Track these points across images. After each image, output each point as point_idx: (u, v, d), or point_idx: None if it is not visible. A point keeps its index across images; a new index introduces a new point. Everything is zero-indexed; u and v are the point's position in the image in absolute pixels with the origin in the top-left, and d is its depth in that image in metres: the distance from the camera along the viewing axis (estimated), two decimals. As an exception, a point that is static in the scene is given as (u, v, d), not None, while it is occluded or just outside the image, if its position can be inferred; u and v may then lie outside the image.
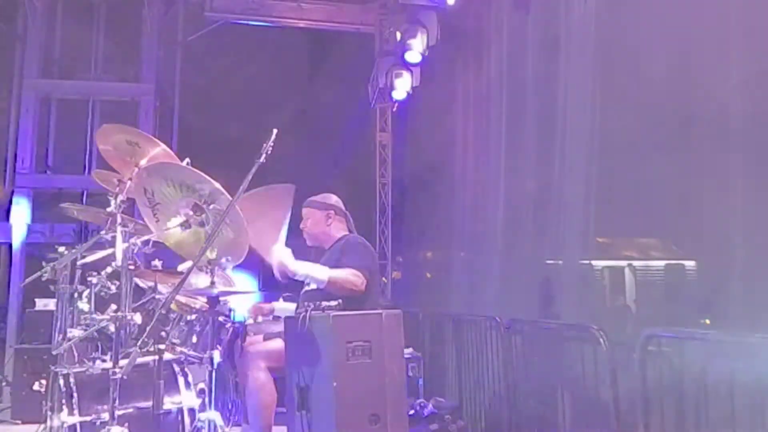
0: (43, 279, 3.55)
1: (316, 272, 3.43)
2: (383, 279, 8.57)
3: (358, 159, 8.82)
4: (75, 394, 3.07)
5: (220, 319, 3.56)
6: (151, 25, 7.77)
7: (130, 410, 3.07)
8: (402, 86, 7.46)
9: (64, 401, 3.07)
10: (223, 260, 3.00)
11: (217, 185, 2.85)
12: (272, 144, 2.80)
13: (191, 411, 3.27)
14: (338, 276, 3.43)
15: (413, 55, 6.95)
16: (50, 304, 5.65)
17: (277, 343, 3.64)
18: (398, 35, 7.19)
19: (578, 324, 3.67)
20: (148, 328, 2.66)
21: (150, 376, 3.05)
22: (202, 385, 3.39)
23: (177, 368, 3.37)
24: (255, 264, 3.77)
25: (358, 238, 3.84)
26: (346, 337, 3.06)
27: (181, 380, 3.34)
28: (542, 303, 4.31)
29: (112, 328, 3.06)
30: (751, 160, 2.72)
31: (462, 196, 6.42)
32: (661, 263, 3.63)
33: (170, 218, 3.02)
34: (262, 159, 2.79)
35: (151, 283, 3.51)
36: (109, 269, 3.48)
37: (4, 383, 6.28)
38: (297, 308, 3.66)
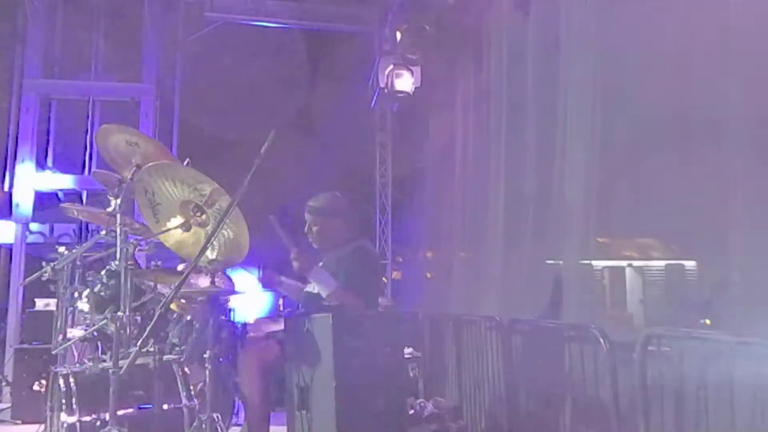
0: (43, 279, 3.55)
1: (325, 282, 3.51)
2: (383, 279, 8.57)
3: (358, 159, 8.82)
4: (75, 394, 3.07)
5: (220, 319, 3.56)
6: (151, 25, 7.76)
7: (130, 410, 3.07)
8: (402, 86, 7.43)
9: (64, 401, 3.07)
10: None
11: (218, 185, 2.85)
12: (272, 144, 2.81)
13: (191, 411, 3.27)
14: (340, 295, 3.50)
15: (413, 55, 6.95)
16: (50, 304, 5.66)
17: (273, 344, 3.65)
18: (398, 35, 7.18)
19: (578, 324, 3.67)
20: (148, 328, 2.67)
21: (150, 376, 3.05)
22: (202, 385, 3.39)
23: (177, 368, 3.37)
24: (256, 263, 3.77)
25: (365, 250, 3.81)
26: (346, 337, 3.07)
27: (181, 380, 3.34)
28: (550, 307, 4.31)
29: (112, 328, 3.06)
30: (751, 160, 2.72)
31: (462, 196, 6.41)
32: (661, 263, 3.62)
33: (170, 219, 3.02)
34: (262, 159, 2.79)
35: (151, 283, 3.51)
36: (109, 269, 3.49)
37: (4, 383, 6.27)
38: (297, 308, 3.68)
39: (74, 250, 3.59)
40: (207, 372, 3.02)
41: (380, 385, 3.10)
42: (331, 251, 3.82)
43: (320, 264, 3.78)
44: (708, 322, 2.89)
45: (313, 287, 3.70)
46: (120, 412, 2.83)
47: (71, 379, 3.12)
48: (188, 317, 3.36)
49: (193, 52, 8.43)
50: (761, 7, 2.73)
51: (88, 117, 7.58)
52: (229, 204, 2.78)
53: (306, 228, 3.87)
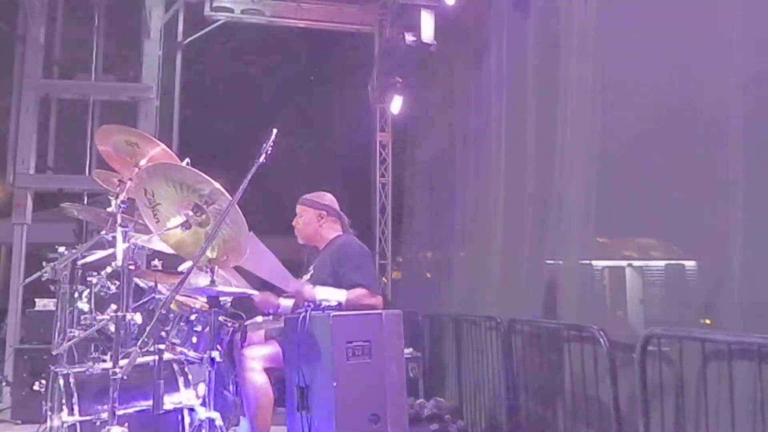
0: (43, 279, 3.55)
1: (333, 295, 3.48)
2: (383, 279, 8.57)
3: (358, 159, 8.83)
4: (75, 394, 3.07)
5: (220, 319, 3.55)
6: (151, 25, 7.76)
7: (130, 410, 3.07)
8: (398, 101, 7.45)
9: (64, 401, 3.07)
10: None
11: (217, 185, 2.85)
12: (272, 144, 2.81)
13: (191, 411, 3.27)
14: (353, 299, 3.50)
15: (413, 55, 6.95)
16: (50, 304, 5.66)
17: (274, 345, 3.65)
18: (401, 36, 7.17)
19: (578, 324, 3.67)
20: (148, 328, 2.67)
21: (150, 376, 3.04)
22: (202, 385, 3.39)
23: (177, 368, 3.37)
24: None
25: (356, 243, 3.81)
26: (346, 337, 3.07)
27: (181, 380, 3.34)
28: (550, 307, 4.31)
29: (112, 328, 3.06)
30: (751, 160, 2.72)
31: (462, 196, 6.41)
32: (661, 263, 3.62)
33: (170, 219, 3.02)
34: (262, 159, 2.80)
35: (151, 283, 3.51)
36: (109, 269, 3.49)
37: (4, 383, 6.27)
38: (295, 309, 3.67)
39: (74, 250, 3.59)
40: (207, 372, 3.02)
41: (380, 385, 3.10)
42: (318, 251, 3.86)
43: (310, 273, 3.80)
44: (708, 322, 2.89)
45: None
46: (120, 412, 2.82)
47: (71, 379, 3.12)
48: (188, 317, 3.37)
49: (193, 52, 8.43)
50: (762, 6, 2.73)
51: (88, 117, 7.58)
52: (229, 204, 2.78)
53: (294, 220, 3.93)
